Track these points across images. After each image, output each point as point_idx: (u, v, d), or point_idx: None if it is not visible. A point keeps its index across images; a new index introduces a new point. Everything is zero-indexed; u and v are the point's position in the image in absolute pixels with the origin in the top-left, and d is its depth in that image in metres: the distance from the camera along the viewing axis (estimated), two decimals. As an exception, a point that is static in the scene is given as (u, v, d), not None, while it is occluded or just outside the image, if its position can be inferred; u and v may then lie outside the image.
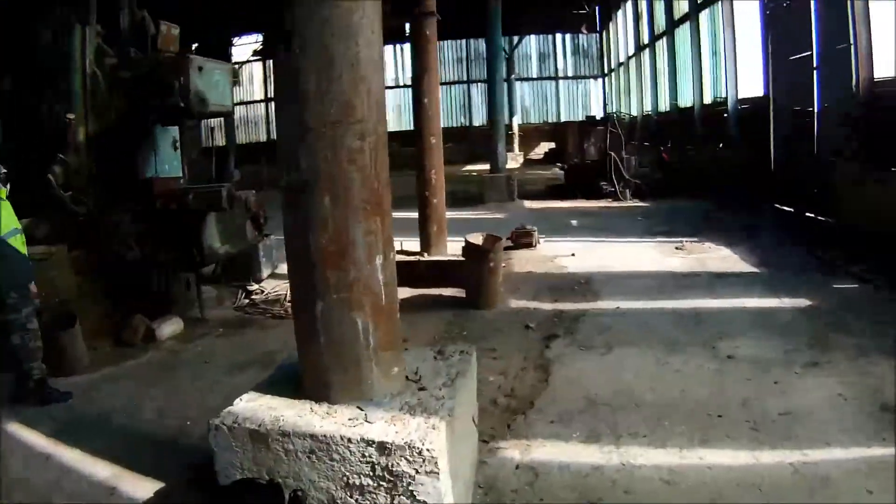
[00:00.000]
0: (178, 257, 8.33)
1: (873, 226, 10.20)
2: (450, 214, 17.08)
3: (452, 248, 10.37)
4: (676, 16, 24.98)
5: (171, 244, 8.18)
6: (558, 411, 5.40)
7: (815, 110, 13.25)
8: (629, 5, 34.06)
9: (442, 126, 35.25)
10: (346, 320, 3.72)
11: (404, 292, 9.20)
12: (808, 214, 13.15)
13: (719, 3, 19.64)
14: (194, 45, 38.11)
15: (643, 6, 30.53)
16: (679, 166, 20.29)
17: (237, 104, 44.90)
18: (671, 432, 4.91)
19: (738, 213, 14.44)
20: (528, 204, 19.21)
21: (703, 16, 21.87)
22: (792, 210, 13.87)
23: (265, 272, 10.86)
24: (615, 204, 18.06)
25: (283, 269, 11.30)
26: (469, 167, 31.09)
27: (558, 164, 24.49)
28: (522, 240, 12.15)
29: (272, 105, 45.39)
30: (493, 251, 8.53)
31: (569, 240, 12.84)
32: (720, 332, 7.05)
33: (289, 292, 9.66)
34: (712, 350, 6.58)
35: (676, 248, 11.45)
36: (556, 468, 4.51)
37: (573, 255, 11.36)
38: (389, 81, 42.29)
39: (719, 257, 10.72)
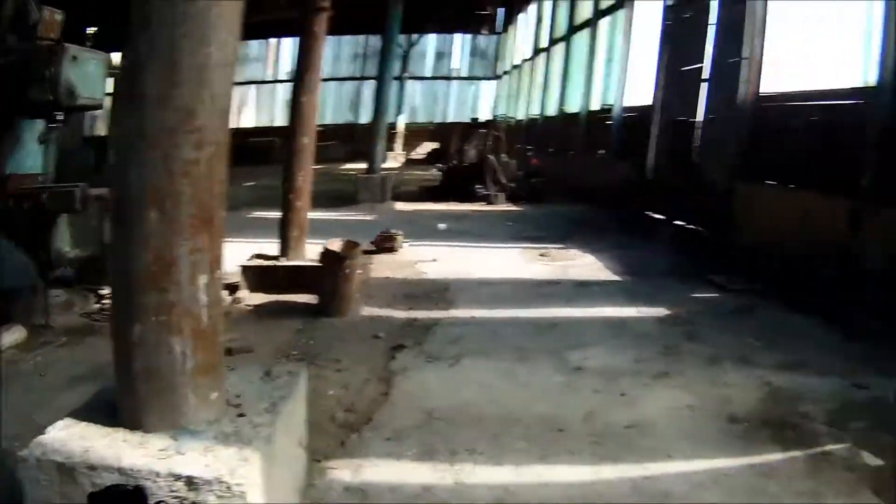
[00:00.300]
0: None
1: (747, 236, 10.53)
2: (319, 215, 16.85)
3: (316, 252, 9.95)
4: (578, 21, 25.16)
5: (20, 246, 7.58)
6: (395, 427, 5.17)
7: (699, 121, 13.56)
8: (533, 8, 34.26)
9: (329, 123, 34.78)
10: (163, 344, 3.44)
11: (259, 298, 8.98)
12: (678, 223, 13.43)
13: (621, 10, 19.91)
14: (91, 29, 37.08)
15: (547, 10, 30.78)
16: (558, 171, 20.51)
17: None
18: (510, 448, 4.76)
19: (611, 221, 14.66)
20: (400, 206, 19.06)
21: (604, 22, 22.01)
22: (664, 218, 14.14)
23: None
24: (488, 208, 18.16)
25: None
26: (350, 165, 30.67)
27: (438, 165, 24.42)
28: (386, 244, 11.92)
29: None
30: (349, 258, 8.27)
31: (434, 244, 12.68)
32: (573, 343, 7.00)
33: None
34: (562, 361, 6.50)
35: (541, 255, 11.47)
36: (387, 490, 4.31)
37: (435, 260, 11.22)
38: (283, 75, 41.64)
39: (583, 265, 10.79)
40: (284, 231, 9.70)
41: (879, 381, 5.86)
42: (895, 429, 4.90)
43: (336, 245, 8.48)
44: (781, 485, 4.26)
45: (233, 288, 9.31)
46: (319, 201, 19.74)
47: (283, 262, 9.54)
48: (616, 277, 9.90)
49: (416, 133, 40.83)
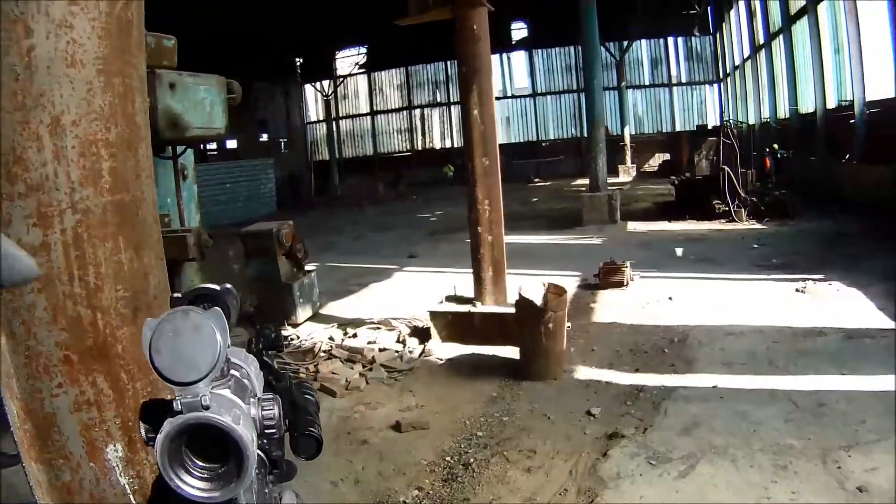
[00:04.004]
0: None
1: None
2: (539, 239, 15.44)
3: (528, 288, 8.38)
4: (793, 10, 21.99)
5: None
6: None
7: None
8: (742, 2, 30.84)
9: (554, 138, 33.63)
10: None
11: (452, 349, 7.54)
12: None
13: None
14: (298, 60, 38.42)
15: (757, 2, 27.43)
16: (799, 180, 17.54)
17: (342, 118, 44.84)
18: None
19: (876, 239, 11.66)
20: (631, 226, 16.94)
21: (822, 8, 18.96)
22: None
23: (302, 315, 9.49)
24: (729, 226, 15.49)
25: (329, 309, 9.91)
26: (581, 181, 28.82)
27: (671, 178, 21.96)
28: (611, 277, 10.00)
29: (378, 118, 45.11)
30: (550, 309, 6.56)
31: (669, 275, 10.61)
32: (850, 438, 4.88)
33: (326, 341, 8.29)
34: (838, 473, 4.45)
35: (797, 291, 9.10)
36: None
37: (671, 298, 9.22)
38: (496, 92, 40.91)
39: (850, 304, 8.30)
40: (477, 271, 8.16)
41: None
42: None
43: (535, 290, 6.73)
44: None
45: (424, 335, 7.99)
46: (540, 223, 18.46)
47: (479, 308, 8.02)
48: (892, 324, 7.37)
49: (644, 144, 38.21)
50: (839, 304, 8.37)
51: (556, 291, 6.76)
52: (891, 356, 6.41)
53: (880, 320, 7.59)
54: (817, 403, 5.52)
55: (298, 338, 8.63)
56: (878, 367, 6.17)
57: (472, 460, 5.02)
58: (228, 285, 1.38)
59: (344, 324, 8.98)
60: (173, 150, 6.95)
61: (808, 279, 9.46)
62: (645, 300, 9.26)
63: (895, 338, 6.79)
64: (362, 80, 45.79)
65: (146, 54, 6.11)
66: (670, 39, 40.41)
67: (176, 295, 1.23)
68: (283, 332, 8.72)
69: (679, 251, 12.96)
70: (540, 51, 41.68)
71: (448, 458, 5.09)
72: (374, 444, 5.45)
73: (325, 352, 7.90)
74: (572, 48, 39.79)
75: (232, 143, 37.44)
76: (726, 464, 4.68)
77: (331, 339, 8.38)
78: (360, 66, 44.89)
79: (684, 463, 4.74)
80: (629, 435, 5.24)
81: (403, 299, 9.94)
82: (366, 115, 46.26)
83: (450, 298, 8.42)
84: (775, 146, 20.96)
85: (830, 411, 5.36)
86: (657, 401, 5.89)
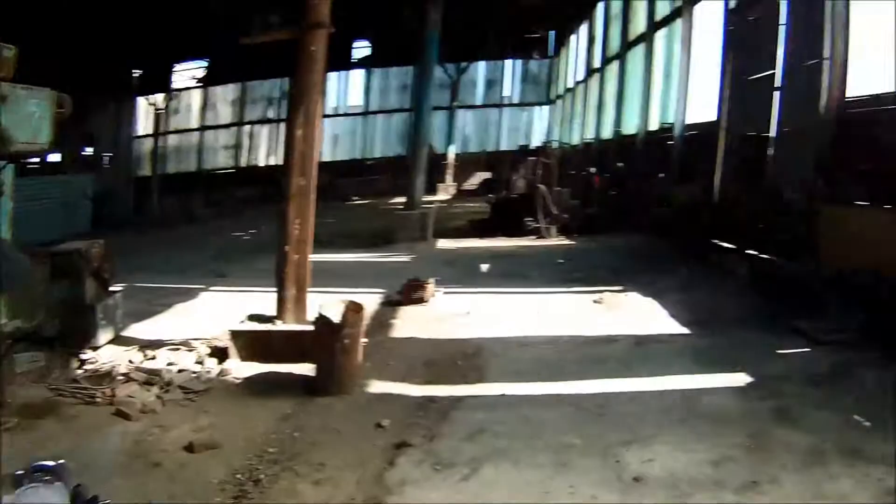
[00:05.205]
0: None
1: (834, 267, 8.73)
2: (351, 257, 15.56)
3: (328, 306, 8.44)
4: (631, 37, 23.59)
5: None
6: None
7: (773, 136, 11.76)
8: (584, 29, 32.79)
9: (379, 156, 33.98)
10: None
11: (250, 369, 7.46)
12: (751, 252, 11.58)
13: (678, 21, 18.21)
14: (136, 73, 36.92)
15: (599, 29, 29.25)
16: (615, 199, 18.73)
17: (170, 132, 43.41)
18: None
19: (674, 254, 12.70)
20: (442, 244, 17.46)
21: (659, 36, 20.49)
22: (734, 247, 12.28)
23: (103, 337, 8.98)
24: (538, 242, 16.36)
25: (132, 331, 9.56)
26: (400, 199, 29.33)
27: (488, 197, 22.84)
28: (414, 294, 10.22)
29: (206, 134, 43.95)
30: (347, 326, 6.68)
31: (472, 291, 11.03)
32: (631, 435, 5.27)
33: (125, 364, 8.02)
34: (617, 467, 4.80)
35: (594, 302, 9.71)
36: None
37: (468, 313, 9.54)
38: (328, 110, 41.06)
39: (644, 313, 9.02)
40: (280, 289, 8.18)
41: None
42: None
43: (335, 308, 6.85)
44: None
45: (223, 355, 7.88)
46: (354, 241, 18.61)
47: (279, 327, 8.02)
48: (682, 330, 8.10)
49: (468, 163, 39.44)
50: (633, 314, 9.03)
51: (354, 308, 6.90)
52: (675, 358, 7.04)
53: (671, 327, 8.29)
54: (600, 405, 5.91)
55: (97, 361, 8.23)
56: (661, 369, 6.73)
57: (262, 476, 5.00)
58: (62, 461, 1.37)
59: (145, 346, 8.73)
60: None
61: (607, 291, 10.11)
62: (444, 315, 9.53)
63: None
64: (197, 95, 44.53)
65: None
66: (508, 62, 42.43)
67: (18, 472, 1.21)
68: (83, 356, 8.25)
69: (484, 267, 13.48)
70: (379, 70, 42.38)
71: (239, 476, 5.04)
72: (166, 467, 5.32)
73: (123, 375, 7.63)
74: (411, 68, 40.49)
75: (56, 157, 35.49)
76: (508, 465, 4.91)
77: (130, 361, 8.13)
78: (198, 81, 43.67)
79: (468, 467, 4.91)
80: (416, 444, 5.38)
81: (208, 319, 9.77)
82: (195, 130, 44.93)
83: (252, 317, 8.35)
84: (591, 169, 22.23)
85: (612, 412, 5.77)
86: (446, 411, 6.07)
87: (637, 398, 6.03)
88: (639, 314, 8.97)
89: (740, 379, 6.33)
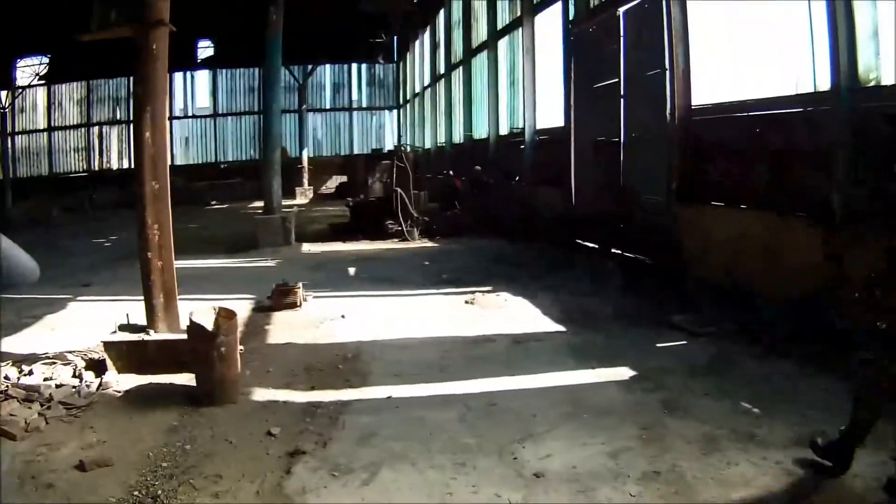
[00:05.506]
0: None
1: (699, 264, 9.23)
2: (215, 263, 14.99)
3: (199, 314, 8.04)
4: (475, 44, 24.03)
5: None
6: None
7: (621, 141, 12.13)
8: (427, 35, 33.09)
9: (232, 160, 33.38)
10: None
11: (130, 380, 7.02)
12: (616, 251, 11.92)
13: (519, 30, 18.58)
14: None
15: (442, 36, 29.54)
16: (472, 202, 18.92)
17: (18, 133, 40.70)
18: None
19: (538, 254, 12.86)
20: (306, 247, 17.09)
21: (502, 44, 20.98)
22: (596, 247, 12.60)
23: None
24: (402, 245, 16.25)
25: (3, 345, 8.81)
26: (259, 203, 28.66)
27: (347, 200, 22.62)
28: (284, 299, 9.89)
29: (56, 135, 41.42)
30: (221, 334, 6.35)
31: (342, 294, 10.80)
32: (524, 432, 5.21)
33: (2, 381, 7.31)
34: (515, 464, 4.72)
35: (466, 302, 9.68)
36: None
37: (343, 316, 9.32)
38: (177, 111, 39.54)
39: (517, 312, 9.04)
40: (149, 298, 7.73)
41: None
42: None
43: (206, 315, 6.50)
44: None
45: (100, 368, 7.38)
46: (216, 247, 18.00)
47: (153, 336, 7.58)
48: (558, 327, 8.15)
49: (322, 167, 39.21)
50: (507, 313, 9.04)
51: (226, 315, 6.56)
52: (556, 355, 7.07)
53: (546, 325, 8.32)
54: (489, 403, 5.83)
55: None
56: (543, 366, 6.74)
57: (159, 492, 4.66)
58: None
59: (19, 360, 8.05)
60: None
61: (477, 291, 10.12)
62: (319, 320, 9.26)
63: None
64: (41, 93, 41.84)
65: None
66: (354, 66, 42.46)
67: None
68: None
69: (352, 270, 13.27)
70: (224, 71, 41.40)
71: (136, 493, 4.69)
72: (59, 487, 4.88)
73: (0, 392, 7.04)
74: (256, 70, 39.97)
75: None
76: (407, 467, 4.75)
77: (6, 378, 7.47)
78: (41, 78, 40.82)
79: (366, 471, 4.72)
80: (310, 450, 5.15)
81: (79, 330, 9.18)
82: (43, 130, 42.34)
83: (123, 328, 7.83)
84: (449, 172, 22.40)
85: (502, 410, 5.69)
86: (334, 415, 5.84)
87: (523, 395, 5.97)
88: (512, 313, 8.98)
89: (623, 373, 6.40)
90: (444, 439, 5.17)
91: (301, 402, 6.27)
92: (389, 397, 6.20)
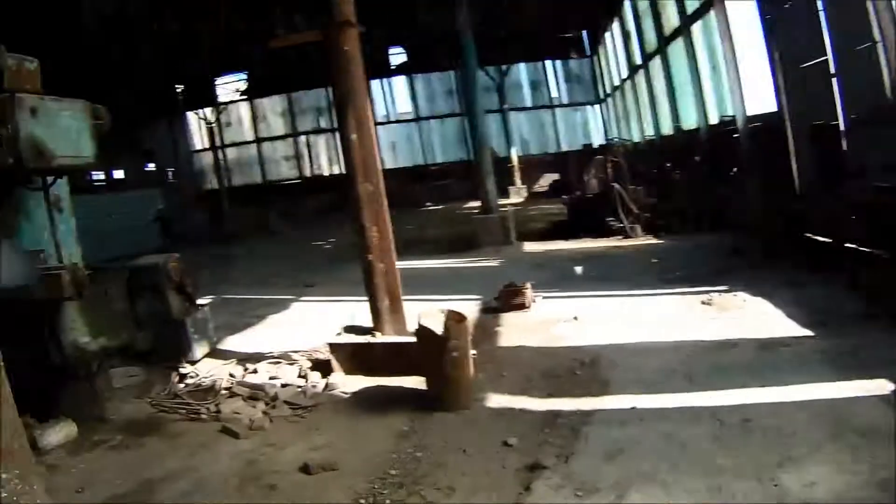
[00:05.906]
0: (33, 357, 6.55)
1: None
2: (435, 263, 15.33)
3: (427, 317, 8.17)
4: (667, 31, 23.18)
5: (18, 340, 6.17)
6: None
7: (842, 125, 11.12)
8: (616, 26, 32.25)
9: (442, 161, 34.28)
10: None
11: (356, 382, 7.26)
12: (850, 245, 10.92)
13: (711, 12, 17.64)
14: (179, 87, 37.56)
15: (631, 25, 28.68)
16: (693, 195, 18.10)
17: (227, 146, 43.87)
18: None
19: (766, 250, 11.99)
20: (527, 246, 17.07)
21: (696, 28, 20.02)
22: (831, 241, 11.62)
23: (199, 351, 9.13)
24: (625, 242, 15.76)
25: (227, 344, 9.49)
26: (473, 203, 29.07)
27: (563, 198, 22.42)
28: (513, 300, 9.90)
29: (264, 145, 44.41)
30: (453, 338, 6.35)
31: (571, 294, 10.62)
32: (782, 454, 4.80)
33: (227, 379, 7.90)
34: (775, 491, 4.37)
35: (703, 303, 9.19)
36: None
37: (576, 318, 9.16)
38: (379, 117, 41.09)
39: (758, 315, 8.41)
40: (373, 301, 7.96)
41: None
42: None
43: (435, 318, 6.52)
44: None
45: (326, 369, 7.70)
46: (437, 247, 18.42)
47: (379, 339, 7.81)
48: (805, 332, 7.52)
49: (532, 165, 39.23)
50: (748, 315, 8.49)
51: (456, 318, 6.57)
52: (807, 364, 6.50)
53: (791, 328, 7.72)
54: (743, 419, 5.46)
55: (197, 375, 8.24)
56: (796, 376, 6.20)
57: (387, 501, 4.73)
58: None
59: (243, 359, 8.68)
60: (43, 180, 6.50)
61: (713, 291, 9.59)
62: (550, 321, 9.17)
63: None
64: (245, 107, 45.39)
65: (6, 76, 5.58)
66: (549, 63, 42.25)
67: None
68: (182, 371, 8.38)
69: (578, 269, 13.06)
70: (419, 76, 42.42)
71: (363, 501, 4.80)
72: (282, 489, 5.12)
73: (226, 389, 7.59)
74: (451, 73, 41.04)
75: (119, 174, 38.09)
76: (657, 491, 4.53)
77: (231, 375, 8.07)
78: (242, 93, 44.30)
79: (613, 492, 4.56)
80: (551, 465, 5.04)
81: (303, 330, 9.71)
82: (251, 142, 45.89)
83: (348, 329, 8.17)
84: (667, 164, 21.65)
85: (757, 427, 5.31)
86: (576, 426, 5.71)
87: (779, 410, 5.53)
88: (753, 316, 8.40)
89: (884, 386, 5.74)
90: (696, 458, 4.91)
91: (539, 411, 6.19)
92: (633, 408, 5.98)
